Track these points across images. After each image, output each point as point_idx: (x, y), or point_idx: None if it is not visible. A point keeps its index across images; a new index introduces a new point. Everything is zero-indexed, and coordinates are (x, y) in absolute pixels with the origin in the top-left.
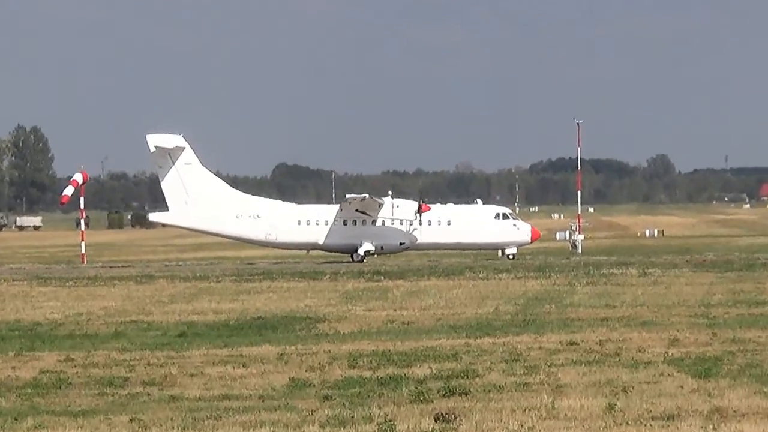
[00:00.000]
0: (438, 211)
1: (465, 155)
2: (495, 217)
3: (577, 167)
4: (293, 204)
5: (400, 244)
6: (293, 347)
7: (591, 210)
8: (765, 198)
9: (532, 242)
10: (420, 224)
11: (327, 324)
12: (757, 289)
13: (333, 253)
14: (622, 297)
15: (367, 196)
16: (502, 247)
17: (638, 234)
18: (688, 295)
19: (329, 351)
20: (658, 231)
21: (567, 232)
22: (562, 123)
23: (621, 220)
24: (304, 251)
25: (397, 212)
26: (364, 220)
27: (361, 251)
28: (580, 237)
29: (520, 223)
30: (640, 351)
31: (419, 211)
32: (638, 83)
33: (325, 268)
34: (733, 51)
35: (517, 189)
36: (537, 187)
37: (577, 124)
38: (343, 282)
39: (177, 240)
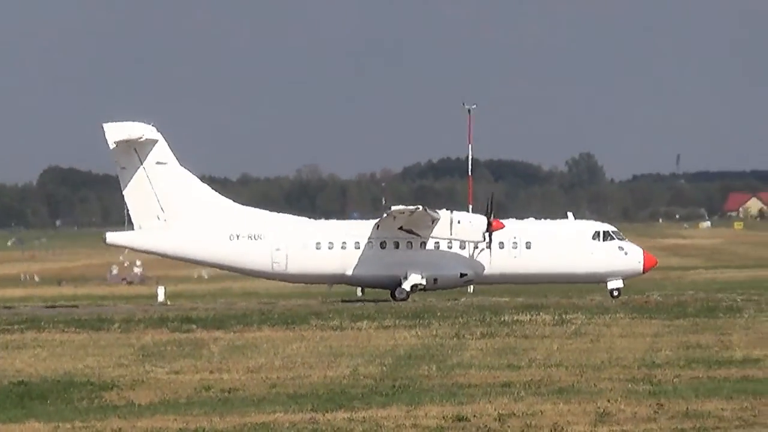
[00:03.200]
0: (514, 229)
1: (310, 157)
2: (593, 237)
3: (468, 171)
4: (309, 219)
5: (462, 275)
6: (69, 425)
7: None
8: (732, 214)
9: (645, 272)
10: (489, 247)
11: (116, 392)
12: (719, 342)
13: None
14: (530, 354)
15: (420, 207)
16: (604, 278)
17: None
18: (623, 351)
19: (119, 430)
20: None
21: None
22: (447, 111)
23: None
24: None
25: (458, 230)
26: (410, 242)
27: (406, 285)
28: None
29: (628, 245)
30: (556, 430)
31: (489, 229)
32: (551, 55)
33: (115, 315)
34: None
35: (383, 201)
36: (412, 197)
37: (468, 111)
38: (138, 333)
39: None
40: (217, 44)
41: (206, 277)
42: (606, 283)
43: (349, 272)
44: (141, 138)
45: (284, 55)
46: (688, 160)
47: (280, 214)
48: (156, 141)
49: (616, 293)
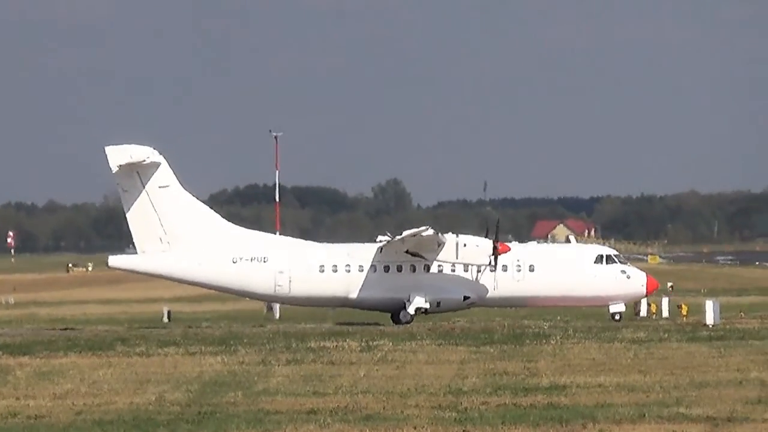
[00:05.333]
0: (517, 252)
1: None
2: (596, 261)
3: (275, 198)
4: (313, 243)
5: (465, 298)
6: None
7: None
8: (540, 240)
9: (647, 295)
10: (493, 271)
11: None
12: (526, 369)
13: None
14: (337, 381)
15: (430, 230)
16: (606, 302)
17: None
18: (429, 378)
19: None
20: None
21: None
22: (254, 137)
23: None
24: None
25: (464, 254)
26: (414, 266)
27: (410, 309)
28: None
29: (630, 269)
30: None
31: (495, 252)
32: (356, 83)
33: None
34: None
35: None
36: None
37: (275, 137)
38: None
39: None
40: None
41: (12, 302)
42: (608, 306)
43: (353, 295)
44: (143, 161)
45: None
46: (495, 187)
47: (284, 237)
48: (158, 164)
49: (617, 317)
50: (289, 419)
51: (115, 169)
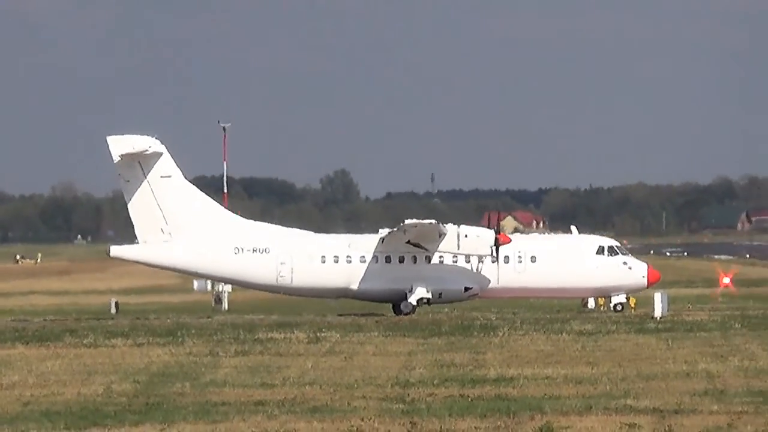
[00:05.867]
0: (519, 243)
1: (65, 174)
2: (598, 252)
3: (223, 189)
4: (314, 233)
5: (466, 289)
6: None
7: None
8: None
9: (648, 287)
10: (495, 262)
11: None
12: (474, 361)
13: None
14: (284, 372)
15: (433, 221)
16: (608, 293)
17: None
18: (377, 370)
19: None
20: None
21: (208, 281)
22: (202, 128)
23: None
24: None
25: (465, 245)
26: (415, 257)
27: (412, 299)
28: (227, 288)
29: (632, 260)
30: None
31: (496, 243)
32: (303, 74)
33: None
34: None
35: None
36: None
37: (224, 129)
38: None
39: None
40: None
41: None
42: (610, 297)
43: (354, 286)
44: (145, 151)
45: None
46: (442, 179)
47: (286, 227)
48: (160, 154)
49: (619, 308)
50: (236, 410)
51: (116, 159)
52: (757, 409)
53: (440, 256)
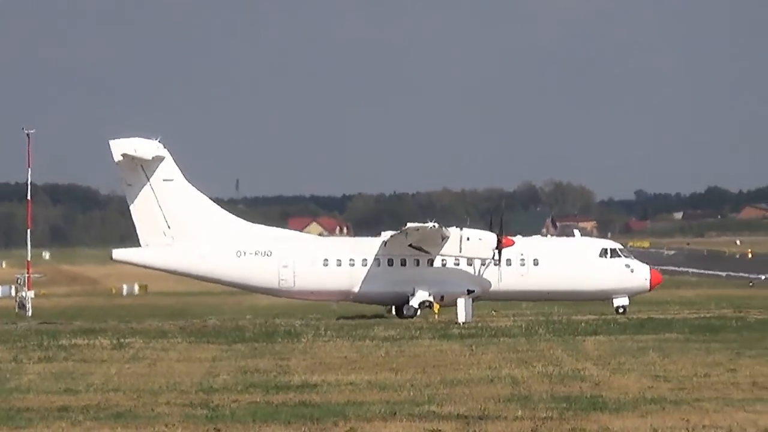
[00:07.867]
0: (522, 246)
1: None
2: (601, 255)
3: (27, 196)
4: (317, 237)
5: (469, 292)
6: None
7: (46, 256)
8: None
9: (651, 290)
10: (497, 264)
11: None
12: (278, 367)
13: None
14: (88, 378)
15: (435, 224)
16: (610, 295)
17: (113, 290)
18: (181, 376)
19: None
20: (140, 286)
21: (12, 287)
22: (5, 134)
23: (89, 271)
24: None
25: (467, 248)
26: (417, 260)
27: (414, 302)
28: (31, 294)
29: (634, 263)
30: None
31: (499, 246)
32: (109, 75)
33: None
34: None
35: None
36: None
37: (27, 135)
38: None
39: None
40: None
41: None
42: (612, 300)
43: (356, 289)
44: (148, 154)
45: None
46: (246, 185)
47: (288, 230)
48: (163, 158)
49: (621, 310)
50: (40, 417)
51: (118, 160)
52: (561, 414)
53: (443, 259)
